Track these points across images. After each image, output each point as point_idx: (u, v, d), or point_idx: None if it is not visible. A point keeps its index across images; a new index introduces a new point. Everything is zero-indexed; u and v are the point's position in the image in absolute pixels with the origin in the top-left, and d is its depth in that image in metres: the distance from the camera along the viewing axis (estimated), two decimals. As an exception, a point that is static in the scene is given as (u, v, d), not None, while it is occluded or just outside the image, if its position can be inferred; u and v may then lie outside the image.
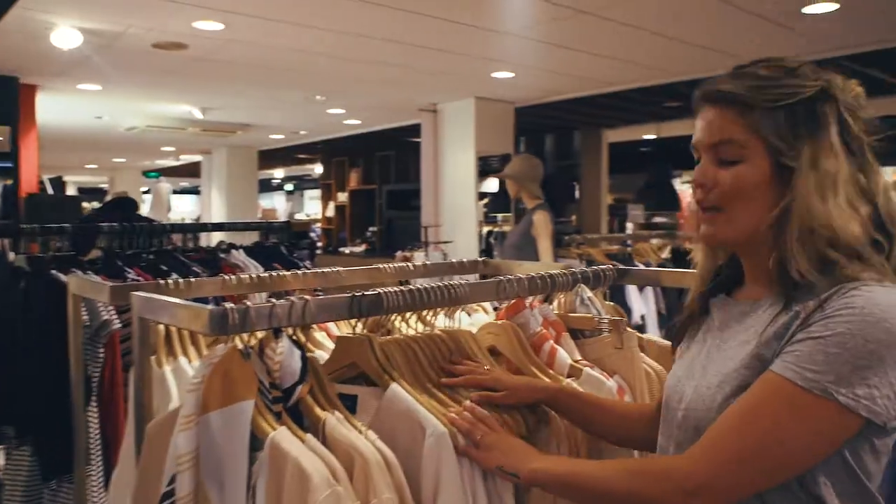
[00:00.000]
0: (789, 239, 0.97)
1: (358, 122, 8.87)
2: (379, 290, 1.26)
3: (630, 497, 0.98)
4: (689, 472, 0.93)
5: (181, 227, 3.13)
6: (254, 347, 1.12)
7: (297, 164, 14.73)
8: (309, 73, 5.91)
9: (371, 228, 11.58)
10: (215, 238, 3.25)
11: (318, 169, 13.45)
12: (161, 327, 1.53)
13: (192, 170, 13.55)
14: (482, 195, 7.98)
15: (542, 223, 4.02)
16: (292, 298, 1.14)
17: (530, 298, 1.55)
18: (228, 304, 1.07)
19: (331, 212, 12.54)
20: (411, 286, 1.32)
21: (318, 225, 13.39)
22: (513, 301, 1.52)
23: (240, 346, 1.12)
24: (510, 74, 6.03)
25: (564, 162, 9.38)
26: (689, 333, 1.15)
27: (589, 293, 1.62)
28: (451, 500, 1.10)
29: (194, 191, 20.93)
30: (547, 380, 1.35)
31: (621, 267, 1.75)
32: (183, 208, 19.38)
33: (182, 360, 1.48)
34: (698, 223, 1.06)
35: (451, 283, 1.38)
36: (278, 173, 17.14)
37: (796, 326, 0.93)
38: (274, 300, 1.13)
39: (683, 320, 1.16)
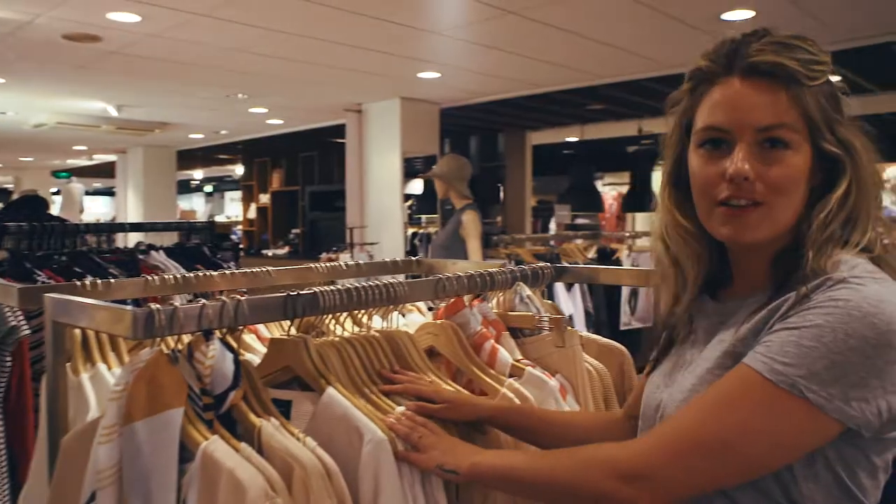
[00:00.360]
0: (850, 226, 0.88)
1: (280, 121, 8.68)
2: (315, 289, 1.20)
3: (571, 485, 0.92)
4: (631, 458, 0.86)
5: (96, 228, 2.97)
6: (182, 351, 1.05)
7: (218, 165, 14.34)
8: (230, 71, 5.73)
9: (294, 230, 11.38)
10: (132, 240, 3.09)
11: (238, 170, 13.13)
12: (77, 332, 1.43)
13: (107, 170, 13.00)
14: (407, 196, 7.94)
15: (471, 223, 4.01)
16: (223, 298, 1.07)
17: (468, 297, 1.51)
18: (154, 305, 1.00)
19: (252, 213, 12.26)
20: (348, 286, 1.27)
21: (239, 227, 13.07)
22: (451, 300, 1.49)
23: (166, 350, 1.04)
24: (436, 75, 6.00)
25: (489, 163, 9.43)
26: (664, 351, 1.07)
27: (528, 291, 1.60)
28: (391, 509, 1.05)
29: (108, 192, 20.13)
30: (489, 401, 1.28)
31: (559, 265, 1.74)
32: (96, 210, 18.57)
33: (101, 366, 1.38)
34: (718, 222, 0.92)
35: (390, 281, 1.34)
36: (197, 174, 16.64)
37: (776, 319, 0.85)
38: (204, 300, 1.06)
39: (667, 327, 1.06)
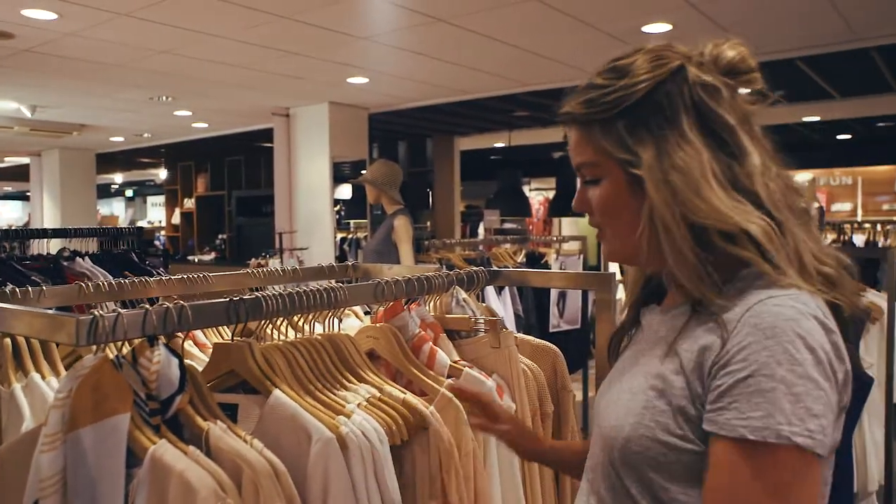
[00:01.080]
0: (665, 249, 0.90)
1: (206, 125, 8.52)
2: (258, 294, 1.22)
3: None
4: None
5: (16, 233, 2.87)
6: (126, 357, 1.05)
7: (139, 169, 13.91)
8: (154, 73, 5.60)
9: (221, 236, 11.17)
10: (51, 247, 2.99)
11: (161, 174, 12.79)
12: (7, 341, 1.40)
13: (19, 173, 12.45)
14: (336, 202, 7.90)
15: (402, 228, 4.05)
16: (166, 304, 1.08)
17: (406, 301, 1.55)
18: (97, 312, 1.00)
19: (177, 219, 11.97)
20: (291, 290, 1.29)
21: (163, 233, 12.73)
22: (390, 304, 1.52)
23: (110, 356, 1.04)
24: (365, 80, 6.02)
25: (418, 169, 9.49)
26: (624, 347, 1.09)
27: (464, 294, 1.65)
28: (340, 509, 1.07)
29: (21, 196, 19.26)
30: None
31: (493, 269, 1.79)
32: (8, 215, 17.76)
33: (34, 375, 1.35)
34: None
35: (331, 286, 1.36)
36: (118, 178, 16.10)
37: (712, 363, 0.82)
38: (147, 306, 1.06)
39: (615, 333, 1.10)
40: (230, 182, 11.23)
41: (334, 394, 1.25)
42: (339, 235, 8.70)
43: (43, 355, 1.41)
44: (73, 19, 4.16)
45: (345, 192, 12.53)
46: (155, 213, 18.38)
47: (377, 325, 1.49)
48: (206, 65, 5.36)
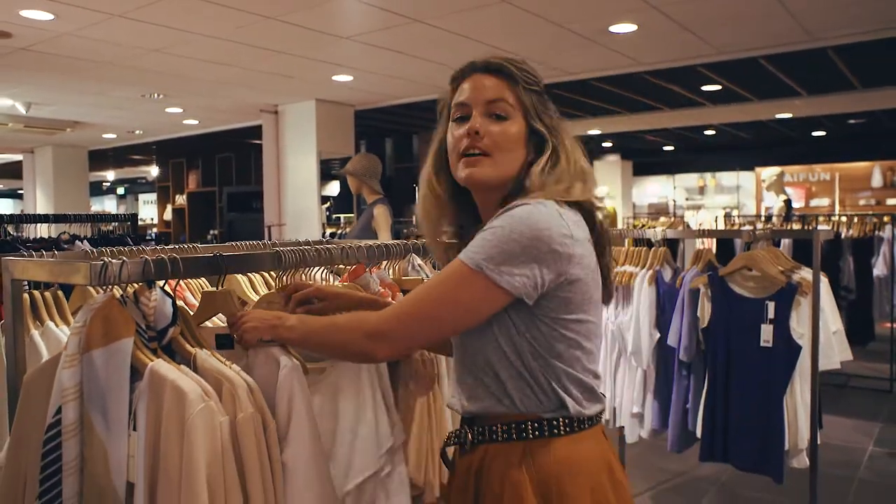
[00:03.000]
0: (556, 180, 1.28)
1: (196, 122, 8.74)
2: (244, 252, 1.47)
3: (341, 343, 1.29)
4: (375, 324, 1.24)
5: (18, 218, 3.10)
6: (129, 297, 1.29)
7: (131, 166, 14.12)
8: (146, 71, 5.83)
9: (212, 231, 11.38)
10: (51, 233, 3.22)
11: (153, 171, 13.00)
12: (26, 296, 1.64)
13: (11, 170, 12.64)
14: (324, 198, 8.14)
15: (382, 216, 4.29)
16: (163, 256, 1.33)
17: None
18: (106, 258, 1.24)
19: (168, 215, 12.18)
20: (275, 249, 1.54)
21: (154, 230, 12.93)
22: (353, 266, 1.77)
23: (117, 296, 1.28)
24: (349, 78, 6.26)
25: (404, 164, 9.73)
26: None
27: (419, 261, 1.90)
28: (301, 421, 1.32)
29: (14, 194, 19.40)
30: (360, 293, 1.62)
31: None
32: (1, 212, 17.88)
33: (49, 324, 1.61)
34: (461, 167, 1.31)
35: (304, 247, 1.61)
36: (109, 175, 16.29)
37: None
38: (147, 256, 1.31)
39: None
40: (221, 178, 11.45)
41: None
42: (329, 231, 8.95)
43: (56, 308, 1.66)
44: (69, 20, 4.38)
45: (333, 188, 12.77)
46: (146, 210, 18.56)
47: (343, 283, 1.74)
48: (197, 63, 5.59)
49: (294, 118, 7.55)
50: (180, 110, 7.84)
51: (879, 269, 5.87)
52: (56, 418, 1.22)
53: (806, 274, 2.89)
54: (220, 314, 1.47)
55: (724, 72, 5.98)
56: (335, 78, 6.25)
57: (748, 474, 3.00)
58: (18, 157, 11.39)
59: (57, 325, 1.61)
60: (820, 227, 6.27)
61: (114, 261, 1.25)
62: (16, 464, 1.29)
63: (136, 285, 1.32)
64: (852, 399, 5.61)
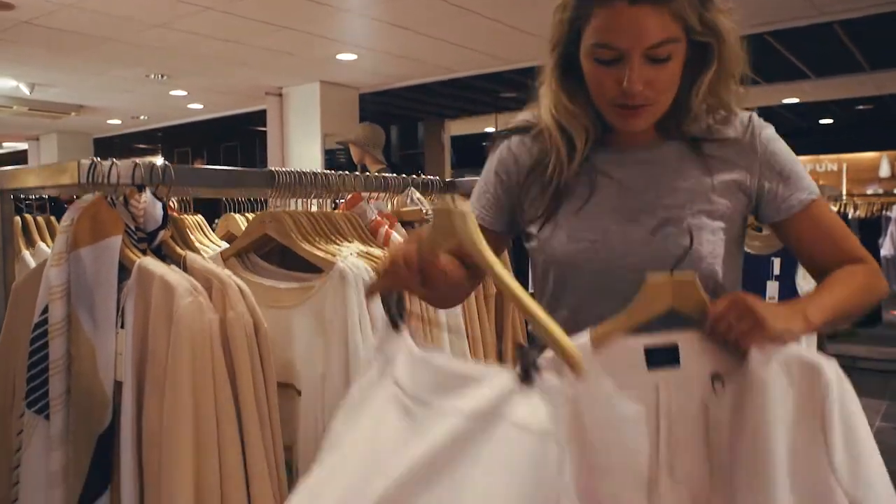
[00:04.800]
0: (720, 91, 1.10)
1: (201, 106, 8.73)
2: (242, 169, 1.46)
3: (871, 298, 1.12)
4: (871, 262, 1.15)
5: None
6: (118, 199, 1.27)
7: (137, 156, 14.11)
8: (147, 48, 5.80)
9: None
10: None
11: (159, 161, 12.94)
12: (17, 219, 1.63)
13: (17, 160, 12.65)
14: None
15: (385, 186, 4.27)
16: (153, 161, 1.31)
17: (367, 195, 1.78)
18: (95, 159, 1.22)
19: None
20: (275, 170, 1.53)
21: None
22: (350, 196, 1.75)
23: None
24: (353, 56, 6.23)
25: (409, 151, 9.71)
26: (558, 200, 1.15)
27: (418, 195, 1.88)
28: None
29: (18, 186, 19.39)
30: None
31: (450, 179, 2.02)
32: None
33: (41, 244, 1.59)
34: (616, 117, 1.08)
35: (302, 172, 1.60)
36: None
37: (756, 157, 1.14)
38: (136, 160, 1.29)
39: (554, 190, 1.15)
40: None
41: (331, 247, 1.52)
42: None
43: (48, 232, 1.64)
44: (71, -10, 4.38)
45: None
46: (152, 202, 18.58)
47: (340, 211, 1.72)
48: (199, 39, 5.56)
49: (298, 101, 7.53)
50: (184, 93, 7.83)
51: (887, 248, 5.82)
52: (43, 317, 1.20)
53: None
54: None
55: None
56: (339, 56, 6.22)
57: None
58: (23, 145, 11.41)
59: (49, 247, 1.59)
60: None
61: (102, 162, 1.23)
62: (5, 368, 1.27)
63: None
64: (859, 379, 5.52)
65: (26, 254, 1.56)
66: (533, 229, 1.18)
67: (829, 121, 10.72)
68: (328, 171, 1.67)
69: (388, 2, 4.70)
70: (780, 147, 1.15)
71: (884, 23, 4.99)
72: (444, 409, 0.81)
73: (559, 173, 1.14)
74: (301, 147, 7.56)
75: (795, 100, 8.52)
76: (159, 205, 1.28)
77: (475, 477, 0.75)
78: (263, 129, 8.08)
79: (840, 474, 0.89)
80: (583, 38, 1.06)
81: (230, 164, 11.40)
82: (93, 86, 7.35)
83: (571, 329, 0.89)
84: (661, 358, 0.95)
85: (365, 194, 1.77)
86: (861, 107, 9.27)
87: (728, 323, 0.92)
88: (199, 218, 1.96)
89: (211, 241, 1.94)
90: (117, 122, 9.86)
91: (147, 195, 1.27)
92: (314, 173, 1.60)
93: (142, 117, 9.62)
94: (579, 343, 0.92)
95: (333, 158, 7.51)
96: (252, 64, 6.44)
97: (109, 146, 12.04)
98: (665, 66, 1.03)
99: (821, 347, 2.82)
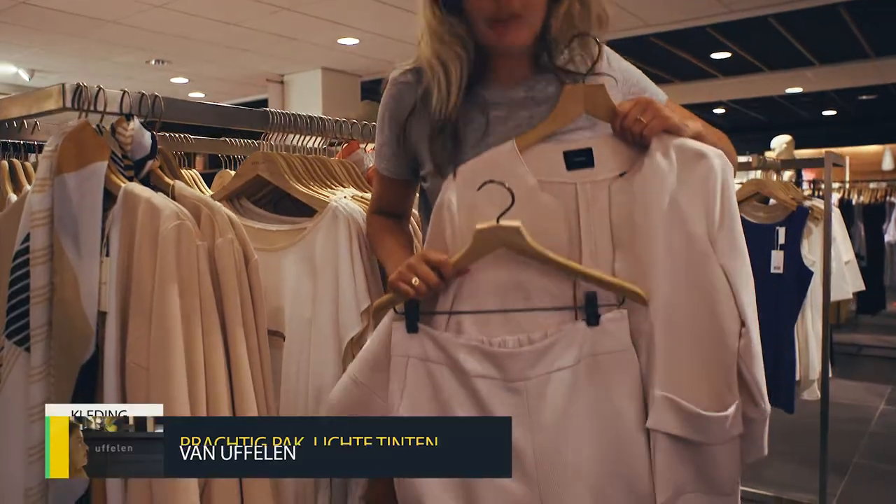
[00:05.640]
0: (577, 21, 1.16)
1: (202, 94, 8.69)
2: (231, 105, 1.40)
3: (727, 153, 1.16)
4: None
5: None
6: (105, 127, 1.23)
7: (137, 149, 14.10)
8: (148, 31, 5.77)
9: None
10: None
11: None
12: (4, 163, 1.59)
13: (18, 151, 12.63)
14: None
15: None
16: (142, 92, 1.26)
17: (363, 143, 1.74)
18: (81, 83, 1.18)
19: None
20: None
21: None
22: (347, 144, 1.71)
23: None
24: (355, 41, 6.19)
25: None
26: (453, 147, 1.19)
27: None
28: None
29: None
30: None
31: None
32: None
33: (27, 186, 1.54)
34: (493, 34, 1.14)
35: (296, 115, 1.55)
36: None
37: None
38: (125, 90, 1.24)
39: (445, 132, 1.19)
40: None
41: (324, 190, 1.49)
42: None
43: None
44: (70, -33, 4.34)
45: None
46: (153, 197, 18.58)
47: (337, 158, 1.68)
48: (200, 22, 5.52)
49: (300, 89, 7.49)
50: (186, 80, 7.79)
51: (891, 234, 5.76)
52: (24, 245, 1.15)
53: (818, 203, 2.80)
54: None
55: (733, 35, 5.88)
56: (341, 41, 6.18)
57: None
58: (25, 135, 11.38)
59: (37, 190, 1.55)
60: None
61: (89, 87, 1.18)
62: (-15, 302, 1.23)
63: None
64: (865, 366, 5.55)
65: (12, 196, 1.51)
66: (429, 168, 1.23)
67: (833, 112, 10.66)
68: (324, 117, 1.62)
69: (389, -19, 4.66)
70: (634, 71, 1.27)
71: (888, 4, 4.94)
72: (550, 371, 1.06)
73: (443, 107, 1.19)
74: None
75: (799, 89, 8.46)
76: (148, 134, 1.23)
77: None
78: (265, 119, 8.03)
79: (717, 245, 1.06)
80: None
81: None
82: (93, 73, 7.30)
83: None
84: (578, 160, 1.12)
85: (362, 143, 1.73)
86: (864, 97, 9.22)
87: (634, 117, 1.09)
88: (194, 172, 1.92)
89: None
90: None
91: (135, 123, 1.23)
92: (310, 117, 1.56)
93: (142, 107, 9.57)
94: (505, 147, 1.12)
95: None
96: (253, 49, 6.40)
97: (110, 138, 12.02)
98: None
99: (826, 337, 2.78)
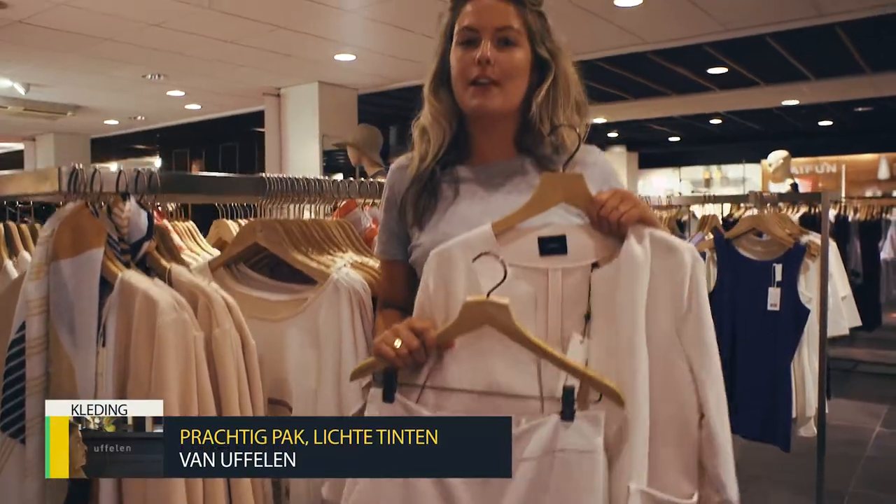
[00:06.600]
0: (557, 106, 1.28)
1: (198, 106, 8.67)
2: (226, 175, 1.40)
3: None
4: None
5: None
6: (101, 207, 1.22)
7: (135, 157, 14.05)
8: (144, 48, 5.76)
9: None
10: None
11: (157, 162, 12.95)
12: (0, 227, 1.58)
13: (13, 161, 12.59)
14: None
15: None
16: (138, 169, 1.26)
17: (361, 201, 1.73)
18: (78, 165, 1.17)
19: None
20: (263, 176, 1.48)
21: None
22: (344, 202, 1.70)
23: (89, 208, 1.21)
24: (352, 57, 6.18)
25: (407, 151, 9.65)
26: (427, 201, 1.32)
27: (414, 201, 1.83)
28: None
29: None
30: None
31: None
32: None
33: (24, 253, 1.53)
34: (470, 96, 1.26)
35: (292, 178, 1.54)
36: (113, 166, 16.16)
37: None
38: (122, 169, 1.24)
39: (419, 191, 1.33)
40: (225, 168, 11.38)
41: (324, 257, 1.48)
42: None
43: (32, 240, 1.58)
44: (65, -11, 4.32)
45: (337, 178, 12.73)
46: (150, 202, 18.53)
47: (334, 219, 1.67)
48: (196, 39, 5.51)
49: (297, 102, 7.48)
50: (182, 93, 7.77)
51: (887, 252, 5.76)
52: (20, 334, 1.14)
53: (814, 238, 2.81)
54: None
55: (730, 52, 5.89)
56: (337, 57, 6.17)
57: (754, 451, 2.92)
58: (19, 146, 11.35)
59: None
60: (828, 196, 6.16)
61: (85, 169, 1.18)
62: (-19, 386, 1.22)
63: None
64: (860, 383, 5.54)
65: (9, 263, 1.50)
66: (415, 234, 1.33)
67: (829, 123, 10.67)
68: (321, 178, 1.61)
69: (387, 3, 4.65)
70: (609, 166, 1.34)
71: (884, 24, 4.95)
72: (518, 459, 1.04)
73: (421, 173, 1.33)
74: (299, 148, 7.50)
75: (795, 102, 8.48)
76: (144, 214, 1.23)
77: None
78: (262, 129, 8.03)
79: (683, 336, 1.08)
80: (454, 34, 1.30)
81: (229, 164, 11.36)
82: (89, 86, 7.30)
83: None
84: (552, 246, 1.14)
85: (360, 200, 1.72)
86: (860, 109, 9.23)
87: (612, 206, 1.11)
88: (191, 224, 1.91)
89: (202, 248, 1.90)
90: (114, 122, 9.81)
91: (132, 204, 1.22)
92: (307, 180, 1.55)
93: (139, 118, 9.56)
94: (482, 230, 1.15)
95: (332, 159, 7.47)
96: (250, 64, 6.39)
97: (107, 146, 11.98)
98: (512, 50, 1.26)
99: (823, 374, 2.79)
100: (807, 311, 2.69)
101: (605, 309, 1.10)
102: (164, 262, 1.22)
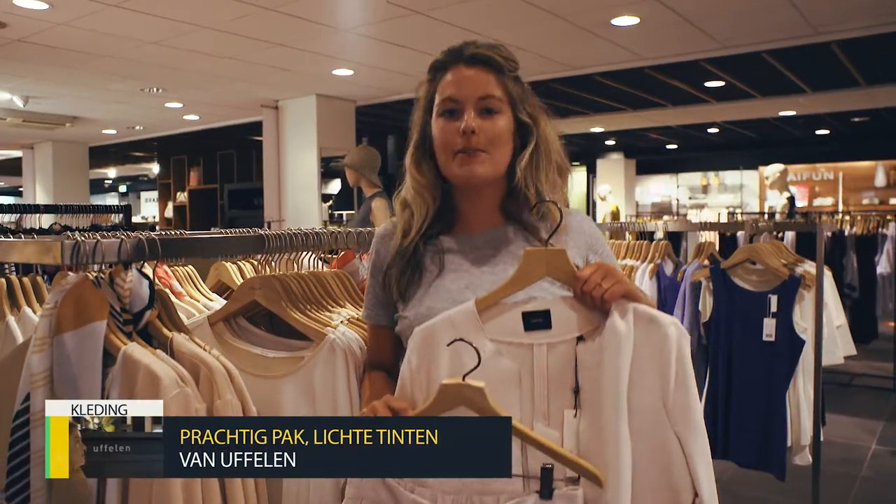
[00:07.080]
0: (540, 170, 1.29)
1: (197, 117, 8.69)
2: (222, 234, 1.42)
3: None
4: None
5: (9, 208, 3.05)
6: (104, 277, 1.24)
7: (132, 164, 14.07)
8: (143, 64, 5.78)
9: (213, 229, 11.31)
10: (44, 223, 3.17)
11: (154, 168, 12.96)
12: (2, 281, 1.59)
13: (11, 167, 12.60)
14: (326, 197, 8.10)
15: (380, 210, 4.24)
16: (139, 235, 1.27)
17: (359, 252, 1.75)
18: (78, 237, 1.19)
19: (170, 212, 12.12)
20: (260, 232, 1.49)
21: (157, 227, 12.89)
22: (343, 253, 1.72)
23: (90, 276, 1.23)
24: (350, 72, 6.20)
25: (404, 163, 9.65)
26: (411, 276, 1.30)
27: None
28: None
29: (13, 192, 19.36)
30: None
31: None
32: None
33: (26, 309, 1.55)
34: (457, 165, 1.25)
35: (289, 232, 1.56)
36: (111, 173, 16.26)
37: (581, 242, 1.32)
38: (123, 237, 1.25)
39: (402, 268, 1.30)
40: (222, 175, 11.39)
41: (321, 314, 1.48)
42: (331, 228, 8.89)
43: (35, 295, 1.60)
44: (63, 9, 4.33)
45: (334, 187, 12.75)
46: (148, 208, 18.53)
47: (332, 270, 1.69)
48: (195, 56, 5.53)
49: (294, 113, 7.49)
50: (180, 105, 7.79)
51: (883, 266, 5.79)
52: (24, 405, 1.16)
53: (809, 267, 2.83)
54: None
55: (727, 67, 5.92)
56: (335, 72, 6.19)
57: (749, 473, 2.93)
58: (18, 153, 11.35)
59: (35, 312, 1.56)
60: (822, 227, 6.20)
61: (87, 240, 1.20)
62: (-16, 452, 1.24)
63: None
64: (855, 397, 5.55)
65: (11, 320, 1.52)
66: (399, 305, 1.31)
67: (826, 131, 10.71)
68: (320, 230, 1.64)
69: (383, 21, 4.67)
70: (596, 234, 1.35)
71: (880, 42, 4.98)
72: None
73: (404, 248, 1.31)
74: (297, 158, 7.52)
75: (792, 112, 8.51)
76: (146, 283, 1.25)
77: None
78: (260, 138, 8.04)
79: (671, 412, 1.07)
80: (435, 105, 1.29)
81: (226, 171, 11.36)
82: (88, 98, 7.31)
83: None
84: (536, 321, 1.13)
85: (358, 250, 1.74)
86: (857, 119, 9.27)
87: (595, 282, 1.11)
88: (191, 269, 1.92)
89: (202, 293, 1.91)
90: (112, 132, 9.81)
91: (133, 273, 1.24)
92: (305, 234, 1.57)
93: (137, 127, 9.57)
94: (465, 308, 1.14)
95: (329, 168, 7.49)
96: (248, 79, 6.41)
97: (105, 155, 12.00)
98: (495, 119, 1.26)
99: (818, 403, 2.81)
100: (802, 342, 2.71)
101: (593, 382, 1.11)
102: (165, 331, 1.24)
